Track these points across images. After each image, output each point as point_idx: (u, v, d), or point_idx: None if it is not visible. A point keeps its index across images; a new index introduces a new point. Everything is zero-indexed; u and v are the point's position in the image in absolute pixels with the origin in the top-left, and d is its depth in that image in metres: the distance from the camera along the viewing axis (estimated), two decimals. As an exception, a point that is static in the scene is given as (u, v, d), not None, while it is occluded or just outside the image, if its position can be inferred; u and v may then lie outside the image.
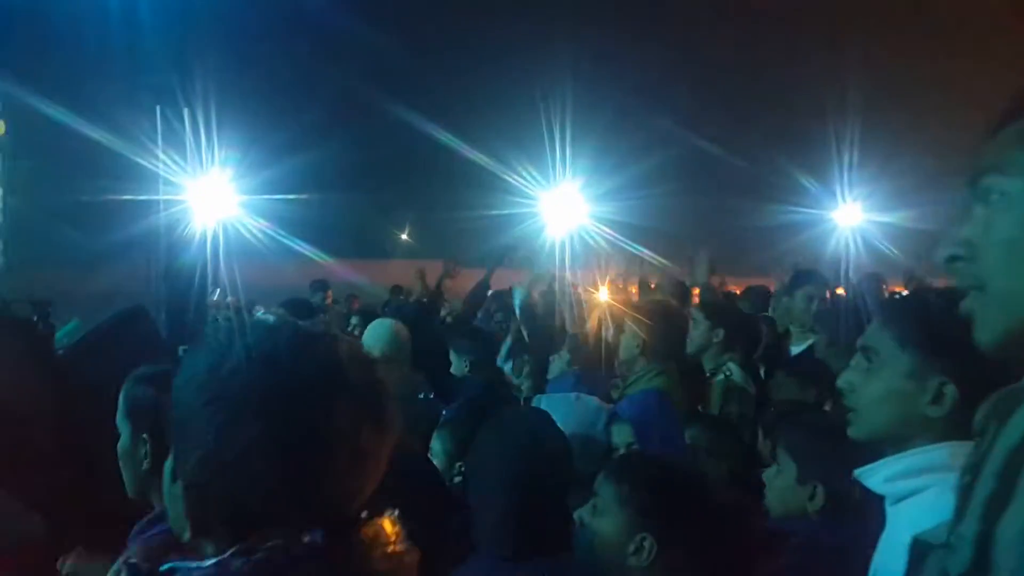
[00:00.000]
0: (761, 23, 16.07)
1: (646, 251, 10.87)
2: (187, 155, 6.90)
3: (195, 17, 6.11)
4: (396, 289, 6.78)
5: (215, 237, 6.86)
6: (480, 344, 4.01)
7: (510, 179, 12.57)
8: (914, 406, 1.42)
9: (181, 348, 5.12)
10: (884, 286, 5.25)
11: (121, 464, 1.56)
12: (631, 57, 15.51)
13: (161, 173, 6.81)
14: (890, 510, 1.45)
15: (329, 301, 7.89)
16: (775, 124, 14.79)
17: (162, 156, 6.71)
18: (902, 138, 13.91)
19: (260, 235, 8.44)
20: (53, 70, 7.02)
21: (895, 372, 1.44)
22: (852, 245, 13.49)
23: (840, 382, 1.54)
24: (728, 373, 3.48)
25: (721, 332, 3.63)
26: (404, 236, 19.71)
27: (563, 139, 12.17)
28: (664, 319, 3.27)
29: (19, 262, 6.85)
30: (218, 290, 5.15)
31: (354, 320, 5.15)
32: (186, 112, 6.26)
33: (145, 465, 1.48)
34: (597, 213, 12.02)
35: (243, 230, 7.77)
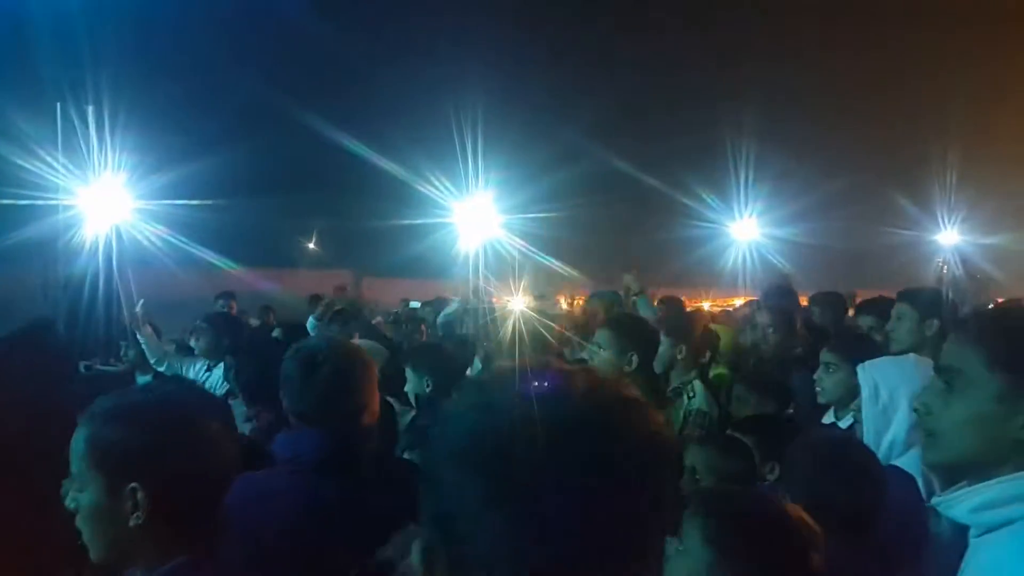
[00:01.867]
0: (671, 38, 16.52)
1: (556, 262, 11.08)
2: (86, 157, 6.60)
3: (99, 12, 5.85)
4: (315, 298, 6.64)
5: (108, 244, 6.56)
6: (443, 362, 3.68)
7: (423, 189, 12.58)
8: (1003, 430, 1.31)
9: (83, 364, 4.88)
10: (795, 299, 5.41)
11: (88, 524, 1.28)
12: (544, 71, 15.71)
13: (59, 176, 6.48)
14: (974, 541, 1.35)
15: (233, 311, 7.65)
16: (682, 140, 15.27)
17: (61, 158, 6.38)
18: (800, 156, 14.63)
19: (159, 242, 8.08)
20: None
21: (983, 394, 1.33)
22: (748, 258, 14.18)
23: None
24: (691, 395, 3.42)
25: (684, 348, 3.57)
26: (311, 245, 19.30)
27: (475, 150, 12.28)
28: (649, 337, 3.25)
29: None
30: (142, 301, 4.91)
31: (275, 333, 5.00)
32: (90, 110, 5.97)
33: (133, 521, 1.24)
34: (509, 224, 12.18)
35: (140, 237, 7.44)
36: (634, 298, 4.79)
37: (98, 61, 6.15)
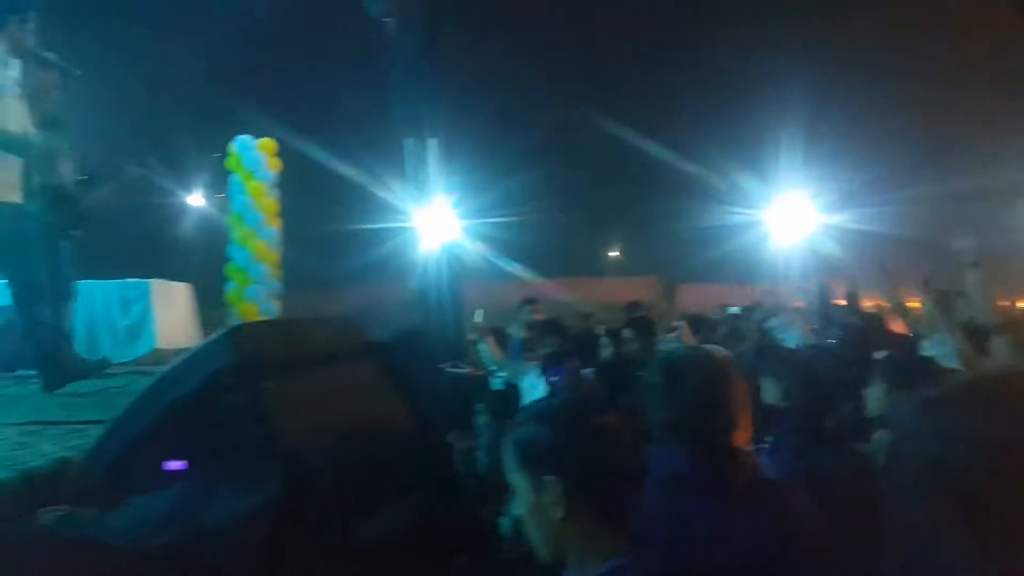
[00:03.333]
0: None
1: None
2: (425, 183, 7.30)
3: (438, 59, 6.45)
4: (633, 305, 6.67)
5: (446, 259, 7.22)
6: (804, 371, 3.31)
7: (725, 191, 12.18)
8: None
9: (445, 365, 5.41)
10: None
11: (528, 525, 1.37)
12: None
13: (402, 201, 7.28)
14: None
15: (539, 317, 7.96)
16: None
17: (408, 185, 7.13)
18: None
19: (480, 256, 8.81)
20: (314, 114, 7.75)
21: None
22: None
23: None
24: None
25: None
26: (615, 253, 19.64)
27: (791, 148, 11.56)
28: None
29: (297, 285, 7.64)
30: (481, 312, 5.35)
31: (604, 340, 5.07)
32: (432, 142, 6.60)
33: (557, 513, 1.31)
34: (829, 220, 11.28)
35: (467, 252, 8.16)
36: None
37: (436, 100, 6.76)
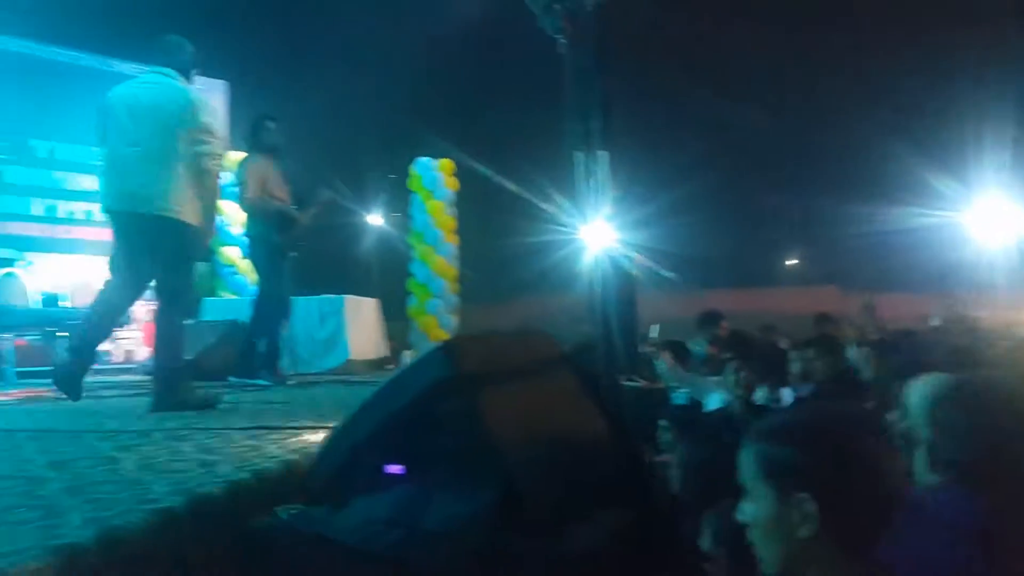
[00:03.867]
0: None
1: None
2: (596, 195, 7.32)
3: (611, 64, 6.48)
4: (822, 318, 6.33)
5: (619, 271, 7.19)
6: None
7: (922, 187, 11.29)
8: None
9: (623, 378, 5.42)
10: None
11: (760, 536, 1.35)
12: None
13: (571, 214, 7.35)
14: None
15: (724, 332, 7.70)
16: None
17: (577, 197, 7.20)
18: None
19: (640, 268, 8.69)
20: (487, 133, 8.02)
21: None
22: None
23: None
24: None
25: None
26: (793, 261, 18.73)
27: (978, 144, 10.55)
28: None
29: (472, 298, 7.97)
30: (657, 327, 5.31)
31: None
32: (602, 155, 6.63)
33: (803, 532, 1.28)
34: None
35: (629, 263, 8.08)
36: None
37: (607, 113, 6.78)
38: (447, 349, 1.64)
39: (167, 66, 3.77)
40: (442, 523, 1.55)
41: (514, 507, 1.52)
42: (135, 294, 3.73)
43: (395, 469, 1.76)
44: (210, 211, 3.73)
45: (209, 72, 9.58)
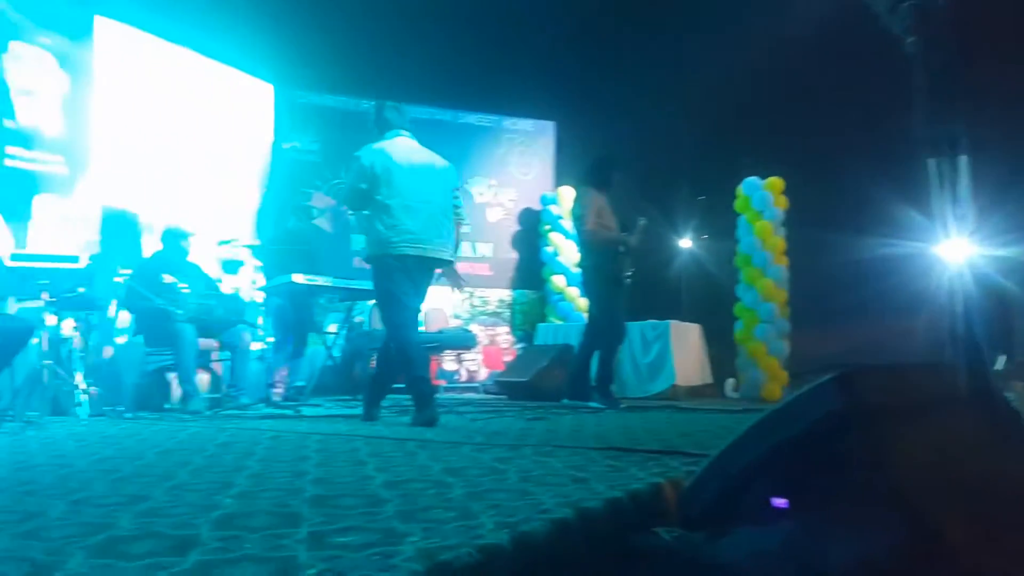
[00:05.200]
0: None
1: None
2: (954, 205, 6.51)
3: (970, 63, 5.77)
4: None
5: (983, 288, 6.30)
6: None
7: None
8: None
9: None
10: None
11: None
12: None
13: (921, 226, 6.59)
14: None
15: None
16: None
17: (930, 208, 6.46)
18: None
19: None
20: (819, 147, 7.56)
21: None
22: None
23: None
24: None
25: None
26: None
27: None
28: None
29: (801, 322, 7.54)
30: (1003, 358, 4.57)
31: None
32: (962, 160, 5.89)
33: None
34: None
35: (998, 281, 7.04)
36: None
37: (967, 117, 6.05)
38: (841, 380, 1.54)
39: (409, 131, 4.56)
40: (839, 563, 1.46)
41: (929, 552, 1.38)
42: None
43: (781, 502, 1.69)
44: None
45: (537, 115, 10.37)
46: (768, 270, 7.42)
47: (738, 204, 7.63)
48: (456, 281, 4.59)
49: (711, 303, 8.63)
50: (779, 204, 7.52)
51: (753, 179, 7.62)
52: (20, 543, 1.40)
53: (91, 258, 5.05)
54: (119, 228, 6.93)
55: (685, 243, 11.38)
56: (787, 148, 7.95)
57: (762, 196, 7.50)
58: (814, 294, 7.67)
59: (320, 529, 1.52)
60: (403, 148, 4.44)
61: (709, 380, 7.79)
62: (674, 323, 7.34)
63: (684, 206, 10.38)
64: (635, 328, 7.29)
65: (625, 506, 2.07)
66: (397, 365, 4.41)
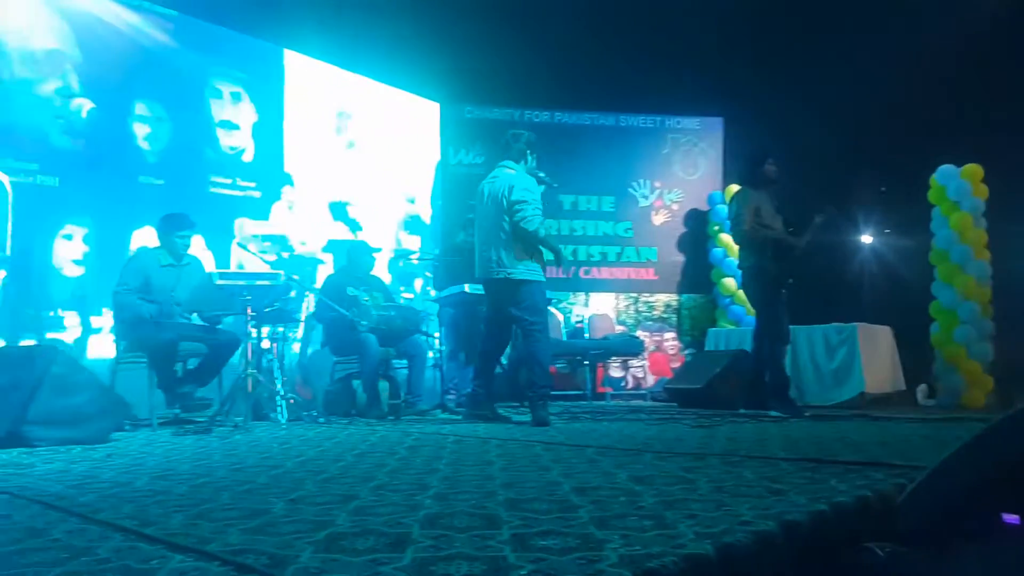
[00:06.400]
0: None
1: None
2: None
3: None
4: None
5: None
6: None
7: None
8: None
9: None
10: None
11: None
12: None
13: None
14: None
15: None
16: None
17: None
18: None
19: None
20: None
21: None
22: None
23: None
24: None
25: None
26: None
27: None
28: None
29: (1008, 323, 6.84)
30: None
31: None
32: None
33: None
34: None
35: None
36: None
37: None
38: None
39: (507, 159, 4.96)
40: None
41: None
42: (506, 337, 5.18)
43: (1013, 519, 1.55)
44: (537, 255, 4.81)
45: (703, 112, 10.09)
46: (968, 266, 6.76)
47: (932, 195, 7.00)
48: None
49: (900, 303, 8.01)
50: (979, 194, 6.84)
51: (948, 167, 6.97)
52: (252, 538, 1.52)
53: (286, 275, 5.45)
54: (311, 247, 7.48)
55: (866, 238, 10.64)
56: (986, 133, 7.24)
57: (959, 185, 6.85)
58: (1021, 291, 6.92)
59: (521, 532, 1.55)
60: (487, 181, 5.00)
61: (902, 387, 7.20)
62: (862, 326, 6.83)
63: (865, 199, 9.73)
64: (818, 332, 6.87)
65: (831, 520, 1.95)
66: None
